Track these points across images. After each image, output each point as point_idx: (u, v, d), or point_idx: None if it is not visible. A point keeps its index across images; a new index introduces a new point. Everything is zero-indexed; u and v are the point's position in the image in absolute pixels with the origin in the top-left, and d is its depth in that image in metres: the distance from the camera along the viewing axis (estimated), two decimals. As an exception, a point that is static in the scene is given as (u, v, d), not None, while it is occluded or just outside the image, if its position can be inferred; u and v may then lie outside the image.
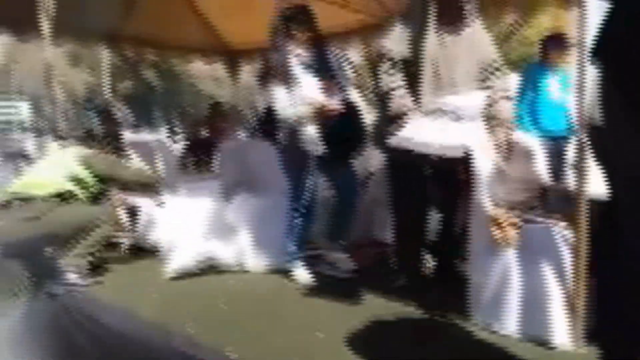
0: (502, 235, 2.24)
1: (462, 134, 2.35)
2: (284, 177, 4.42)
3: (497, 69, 2.56)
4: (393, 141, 2.45)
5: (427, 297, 2.57)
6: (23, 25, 4.31)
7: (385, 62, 2.60)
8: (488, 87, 2.55)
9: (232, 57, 7.26)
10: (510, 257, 2.22)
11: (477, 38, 2.56)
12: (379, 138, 2.84)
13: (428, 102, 2.46)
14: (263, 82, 3.08)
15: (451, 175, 2.57)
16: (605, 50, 1.33)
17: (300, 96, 2.81)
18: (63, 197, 3.01)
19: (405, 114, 2.45)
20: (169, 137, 10.63)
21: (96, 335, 2.33)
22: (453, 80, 2.48)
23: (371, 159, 3.90)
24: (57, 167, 3.16)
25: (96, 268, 3.07)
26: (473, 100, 2.48)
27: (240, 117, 7.55)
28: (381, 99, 2.61)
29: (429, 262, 2.89)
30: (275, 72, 2.93)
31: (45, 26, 3.21)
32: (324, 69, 2.99)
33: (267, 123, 3.42)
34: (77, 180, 3.11)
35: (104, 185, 3.24)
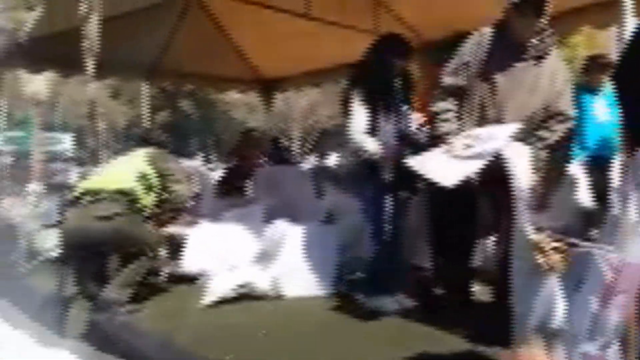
0: (545, 260, 2.17)
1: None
2: (316, 202, 4.46)
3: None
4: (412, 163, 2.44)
5: (472, 327, 2.50)
6: (67, 61, 4.54)
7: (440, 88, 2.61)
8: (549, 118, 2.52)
9: (266, 86, 7.43)
10: (555, 284, 2.14)
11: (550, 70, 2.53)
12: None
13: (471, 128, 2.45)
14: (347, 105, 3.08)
15: (492, 200, 2.52)
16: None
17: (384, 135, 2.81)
18: (126, 194, 3.01)
19: (447, 136, 2.44)
20: (204, 164, 10.89)
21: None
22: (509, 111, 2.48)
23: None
24: (125, 164, 3.25)
25: (138, 298, 3.11)
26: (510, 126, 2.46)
27: (273, 143, 7.66)
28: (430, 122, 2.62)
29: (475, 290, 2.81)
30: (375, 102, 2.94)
31: (89, 63, 3.35)
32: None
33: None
34: (143, 177, 3.12)
35: (164, 189, 3.22)
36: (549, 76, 2.52)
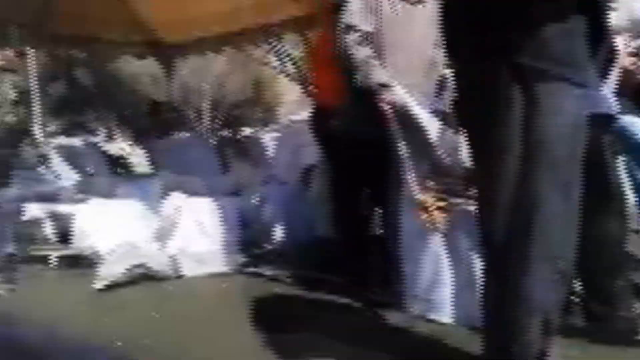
0: (429, 219, 2.23)
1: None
2: (220, 175, 4.31)
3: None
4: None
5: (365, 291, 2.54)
6: None
7: (352, 34, 2.53)
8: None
9: (166, 53, 6.97)
10: (440, 243, 2.21)
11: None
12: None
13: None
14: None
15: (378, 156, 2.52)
16: None
17: None
18: None
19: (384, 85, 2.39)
20: (105, 138, 10.18)
21: (12, 354, 2.14)
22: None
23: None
24: None
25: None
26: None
27: (178, 115, 7.32)
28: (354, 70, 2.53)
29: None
30: None
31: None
32: None
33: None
34: None
35: None
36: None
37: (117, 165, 5.16)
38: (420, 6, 2.59)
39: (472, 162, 1.55)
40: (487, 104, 1.35)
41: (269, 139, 5.92)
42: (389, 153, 2.37)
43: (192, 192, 3.40)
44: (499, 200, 1.34)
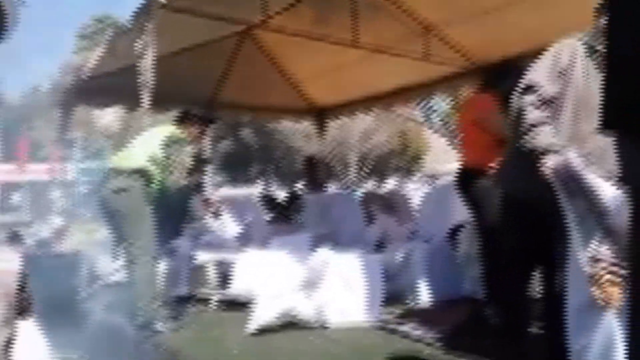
0: (602, 294, 2.00)
1: None
2: (365, 230, 4.41)
3: None
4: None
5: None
6: (132, 96, 4.84)
7: (531, 95, 2.49)
8: None
9: (319, 114, 7.53)
10: (613, 320, 1.96)
11: None
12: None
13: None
14: None
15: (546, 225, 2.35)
16: None
17: None
18: (142, 174, 3.23)
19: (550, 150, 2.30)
20: (263, 190, 11.13)
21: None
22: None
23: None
24: (140, 146, 3.42)
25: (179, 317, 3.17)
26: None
27: (329, 170, 7.72)
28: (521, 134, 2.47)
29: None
30: None
31: (145, 96, 3.54)
32: None
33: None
34: (155, 161, 3.29)
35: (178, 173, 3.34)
36: None
37: (274, 215, 5.60)
38: None
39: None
40: None
41: (413, 192, 5.94)
42: (552, 219, 2.21)
43: (339, 246, 3.53)
44: None
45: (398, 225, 4.52)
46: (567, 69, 2.39)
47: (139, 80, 3.61)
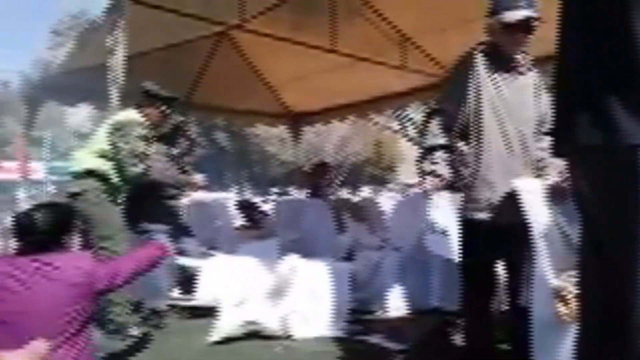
0: (568, 310, 1.99)
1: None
2: (336, 238, 4.36)
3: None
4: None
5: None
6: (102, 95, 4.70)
7: (436, 117, 2.50)
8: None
9: (295, 120, 7.49)
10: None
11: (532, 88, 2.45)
12: None
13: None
14: None
15: (509, 240, 2.34)
16: None
17: None
18: (94, 173, 3.05)
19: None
20: (236, 195, 11.02)
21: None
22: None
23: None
24: (92, 142, 3.22)
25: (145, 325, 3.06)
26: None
27: (301, 175, 7.68)
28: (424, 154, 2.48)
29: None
30: None
31: (114, 95, 3.43)
32: None
33: None
34: (104, 156, 3.09)
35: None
36: (535, 90, 2.44)
37: (245, 220, 5.51)
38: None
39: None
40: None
41: (386, 201, 5.92)
42: (519, 233, 2.20)
43: (307, 254, 3.47)
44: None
45: (369, 234, 4.49)
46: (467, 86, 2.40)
47: (108, 79, 3.51)
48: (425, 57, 5.48)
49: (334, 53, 5.07)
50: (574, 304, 2.01)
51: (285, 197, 5.56)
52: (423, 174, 2.43)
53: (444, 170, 2.39)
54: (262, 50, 5.95)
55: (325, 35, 4.95)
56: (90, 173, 3.06)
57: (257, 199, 8.20)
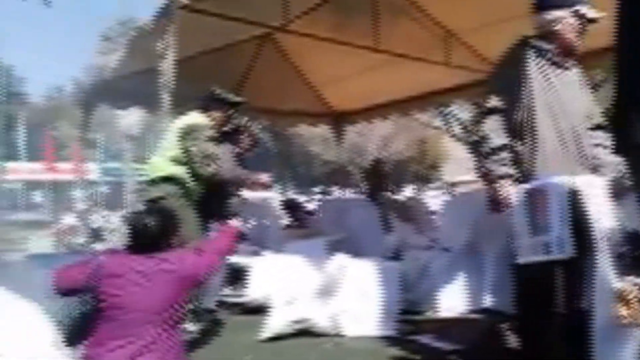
0: (629, 313, 1.90)
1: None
2: (382, 237, 4.33)
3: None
4: None
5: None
6: (152, 99, 4.85)
7: (492, 116, 2.42)
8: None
9: (337, 119, 7.48)
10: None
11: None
12: None
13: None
14: None
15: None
16: None
17: None
18: (172, 180, 3.12)
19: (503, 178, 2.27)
20: (281, 195, 11.12)
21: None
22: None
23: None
24: (163, 149, 3.28)
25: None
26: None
27: (346, 175, 7.67)
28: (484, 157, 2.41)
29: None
30: None
31: (165, 99, 3.53)
32: None
33: None
34: (178, 162, 3.15)
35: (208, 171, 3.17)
36: (580, 86, 2.39)
37: (291, 219, 5.54)
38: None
39: None
40: None
41: (431, 200, 5.84)
42: (579, 232, 2.12)
43: (355, 253, 3.47)
44: None
45: (416, 233, 4.44)
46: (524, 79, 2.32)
47: (159, 83, 3.62)
48: (470, 53, 5.36)
49: (376, 51, 5.03)
50: (636, 307, 1.93)
51: (329, 197, 5.54)
52: (490, 176, 2.34)
53: (513, 170, 2.31)
54: (304, 51, 5.98)
55: (367, 34, 4.93)
56: (167, 179, 3.16)
57: (302, 199, 8.24)
